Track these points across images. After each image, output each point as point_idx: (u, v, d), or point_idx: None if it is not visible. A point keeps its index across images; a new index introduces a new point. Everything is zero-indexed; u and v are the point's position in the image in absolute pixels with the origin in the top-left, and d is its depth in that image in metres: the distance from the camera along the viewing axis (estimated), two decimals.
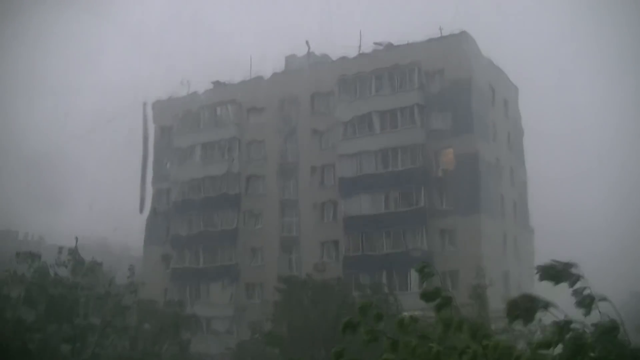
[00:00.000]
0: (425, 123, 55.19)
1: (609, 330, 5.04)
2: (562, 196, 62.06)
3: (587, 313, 5.07)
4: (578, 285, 5.23)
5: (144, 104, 65.26)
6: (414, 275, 51.47)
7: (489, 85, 57.71)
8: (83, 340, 34.40)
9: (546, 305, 5.08)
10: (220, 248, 61.98)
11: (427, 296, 5.48)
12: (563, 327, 4.91)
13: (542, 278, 5.48)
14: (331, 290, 43.72)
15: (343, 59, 59.87)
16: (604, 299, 5.02)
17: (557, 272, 5.26)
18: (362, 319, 5.54)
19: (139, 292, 38.52)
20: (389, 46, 58.16)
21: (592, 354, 4.95)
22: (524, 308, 5.20)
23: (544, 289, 5.49)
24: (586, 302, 5.11)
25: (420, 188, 54.04)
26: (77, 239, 37.23)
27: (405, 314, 6.12)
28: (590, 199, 70.49)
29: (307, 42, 63.53)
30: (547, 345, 5.01)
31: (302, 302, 42.59)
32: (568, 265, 5.25)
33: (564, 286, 5.24)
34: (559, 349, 5.03)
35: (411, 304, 5.83)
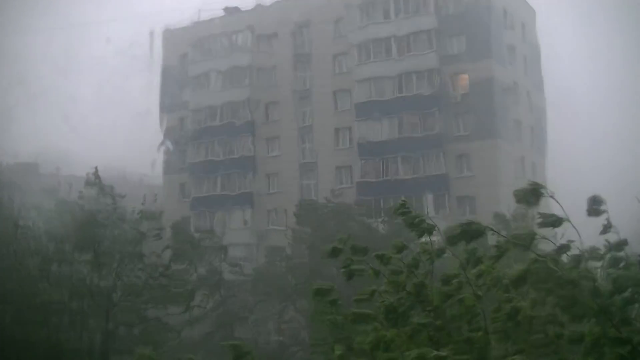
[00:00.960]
0: (441, 47, 54.92)
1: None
2: (580, 123, 61.29)
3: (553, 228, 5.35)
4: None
5: (151, 33, 65.40)
6: (429, 200, 52.10)
7: (505, 8, 57.11)
8: (108, 267, 35.25)
9: (552, 195, 5.38)
10: (238, 175, 62.47)
11: (411, 225, 5.78)
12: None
13: (517, 201, 5.79)
14: (349, 213, 44.43)
15: None
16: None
17: (525, 194, 5.50)
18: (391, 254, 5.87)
19: (161, 219, 39.23)
20: None
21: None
22: (530, 190, 5.48)
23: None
24: (550, 221, 5.39)
25: (435, 113, 54.13)
26: (96, 168, 37.89)
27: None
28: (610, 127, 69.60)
29: None
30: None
31: (322, 226, 43.19)
32: (538, 187, 5.49)
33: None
34: None
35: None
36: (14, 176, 48.46)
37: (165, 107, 67.21)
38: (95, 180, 36.46)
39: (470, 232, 5.48)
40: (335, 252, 6.33)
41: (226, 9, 66.04)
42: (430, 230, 6.00)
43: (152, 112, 65.18)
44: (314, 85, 60.78)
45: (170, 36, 67.31)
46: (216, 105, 63.82)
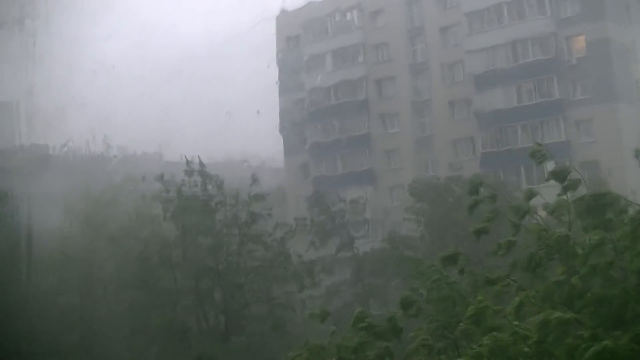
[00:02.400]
0: (555, 10, 53.80)
1: None
2: None
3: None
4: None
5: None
6: (550, 168, 51.25)
7: None
8: (226, 249, 36.56)
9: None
10: (356, 153, 63.14)
11: (556, 175, 6.05)
12: None
13: (548, 178, 6.20)
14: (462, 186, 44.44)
15: None
16: None
17: (556, 173, 5.91)
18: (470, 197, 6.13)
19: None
20: None
21: None
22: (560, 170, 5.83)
23: None
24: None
25: (553, 78, 53.22)
26: (199, 157, 39.20)
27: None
28: None
29: None
30: None
31: (441, 203, 43.51)
32: (566, 169, 5.87)
33: None
34: None
35: (551, 196, 6.27)
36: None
37: (282, 90, 68.50)
38: (199, 167, 37.72)
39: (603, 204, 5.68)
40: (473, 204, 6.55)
41: None
42: (575, 186, 6.24)
43: (270, 94, 66.57)
44: (428, 58, 60.68)
45: (283, 19, 68.37)
46: (331, 85, 64.62)
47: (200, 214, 37.00)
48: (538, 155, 6.08)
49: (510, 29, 54.71)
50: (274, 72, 68.73)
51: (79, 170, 51.61)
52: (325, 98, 65.03)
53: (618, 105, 50.77)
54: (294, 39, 67.93)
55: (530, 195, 6.45)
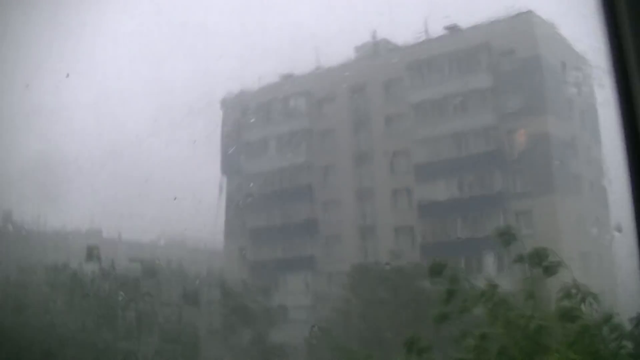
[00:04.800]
0: (497, 104, 54.59)
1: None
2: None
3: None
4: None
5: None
6: (490, 260, 51.17)
7: (561, 61, 56.52)
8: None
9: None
10: (298, 239, 62.56)
11: (501, 235, 5.58)
12: None
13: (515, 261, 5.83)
14: (407, 276, 43.91)
15: (411, 45, 59.45)
16: None
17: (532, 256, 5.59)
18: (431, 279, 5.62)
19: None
20: (456, 29, 57.52)
21: None
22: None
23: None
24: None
25: (494, 171, 53.59)
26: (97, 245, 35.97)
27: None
28: None
29: (373, 32, 63.45)
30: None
31: (375, 292, 42.91)
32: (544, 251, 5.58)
33: None
34: None
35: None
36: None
37: (225, 172, 68.03)
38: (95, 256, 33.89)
39: None
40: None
41: (284, 75, 67.05)
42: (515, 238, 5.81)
43: (212, 178, 66.03)
44: (372, 147, 60.85)
45: (229, 102, 68.45)
46: (274, 170, 64.31)
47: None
48: (505, 236, 5.67)
49: (454, 121, 55.30)
50: (217, 156, 68.47)
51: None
52: (267, 183, 64.64)
53: (556, 197, 51.11)
54: (237, 123, 67.85)
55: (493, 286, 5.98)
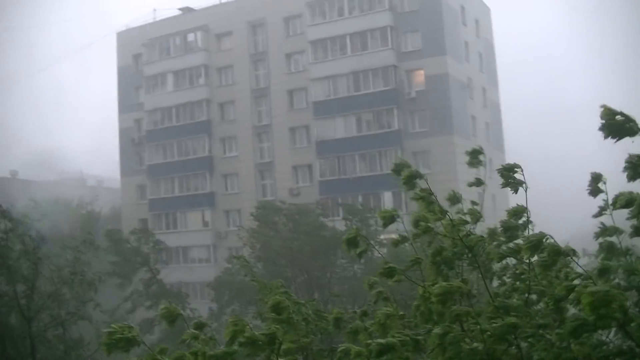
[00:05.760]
0: (397, 44, 54.92)
1: None
2: (535, 120, 61.92)
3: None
4: None
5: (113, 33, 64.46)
6: (387, 198, 52.14)
7: (460, 4, 57.30)
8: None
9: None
10: (196, 176, 62.02)
11: (397, 171, 5.43)
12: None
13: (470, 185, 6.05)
14: (308, 213, 44.29)
15: None
16: None
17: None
18: (348, 251, 5.45)
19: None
20: None
21: None
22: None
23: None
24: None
25: (392, 110, 54.08)
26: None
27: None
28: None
29: None
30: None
31: (277, 227, 43.11)
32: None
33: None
34: None
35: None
36: None
37: (122, 108, 66.62)
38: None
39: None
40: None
41: (181, 9, 65.58)
42: (419, 176, 5.69)
43: (109, 113, 64.62)
44: (271, 84, 60.41)
45: (125, 37, 66.68)
46: (172, 106, 63.34)
47: None
48: (409, 179, 5.37)
49: (353, 59, 55.33)
50: (114, 90, 66.90)
51: None
52: (165, 119, 63.59)
53: (453, 138, 52.20)
54: (135, 57, 66.27)
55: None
